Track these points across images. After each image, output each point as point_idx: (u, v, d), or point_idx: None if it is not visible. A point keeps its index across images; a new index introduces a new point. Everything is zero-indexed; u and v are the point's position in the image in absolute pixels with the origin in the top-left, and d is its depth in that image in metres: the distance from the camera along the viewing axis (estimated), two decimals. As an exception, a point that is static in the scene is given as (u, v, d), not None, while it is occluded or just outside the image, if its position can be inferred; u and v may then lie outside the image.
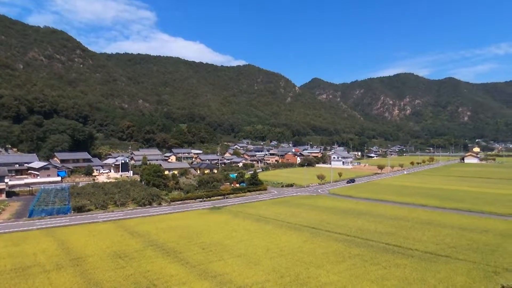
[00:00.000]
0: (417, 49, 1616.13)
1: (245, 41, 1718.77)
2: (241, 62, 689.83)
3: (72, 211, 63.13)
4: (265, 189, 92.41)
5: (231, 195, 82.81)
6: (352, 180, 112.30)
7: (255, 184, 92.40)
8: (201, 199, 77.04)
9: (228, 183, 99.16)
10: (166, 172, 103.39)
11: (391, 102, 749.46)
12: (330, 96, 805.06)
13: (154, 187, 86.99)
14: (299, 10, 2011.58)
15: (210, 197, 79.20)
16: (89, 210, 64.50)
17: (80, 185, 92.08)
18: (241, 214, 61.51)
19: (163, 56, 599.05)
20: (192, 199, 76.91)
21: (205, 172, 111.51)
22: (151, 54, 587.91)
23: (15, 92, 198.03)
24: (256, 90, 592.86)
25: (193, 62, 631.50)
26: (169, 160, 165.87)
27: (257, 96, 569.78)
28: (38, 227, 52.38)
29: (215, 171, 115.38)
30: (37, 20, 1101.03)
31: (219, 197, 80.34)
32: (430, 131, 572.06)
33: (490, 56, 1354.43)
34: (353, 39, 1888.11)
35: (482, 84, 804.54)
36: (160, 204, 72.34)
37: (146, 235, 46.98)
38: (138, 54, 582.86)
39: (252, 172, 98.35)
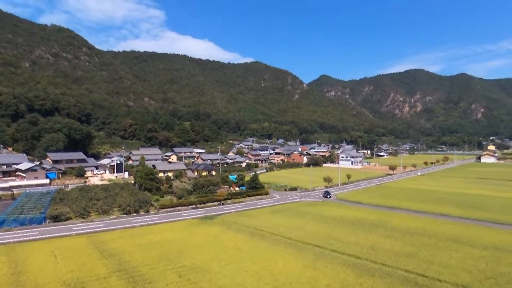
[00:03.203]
0: (427, 45, 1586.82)
1: (253, 38, 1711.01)
2: (248, 60, 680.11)
3: (48, 221, 56.54)
4: (267, 194, 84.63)
5: (228, 201, 75.32)
6: (327, 193, 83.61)
7: (255, 188, 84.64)
8: (194, 206, 69.75)
9: (227, 186, 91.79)
10: (161, 174, 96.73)
11: (401, 99, 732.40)
12: (339, 93, 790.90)
13: (146, 191, 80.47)
14: (307, 7, 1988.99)
15: (204, 203, 71.88)
16: (67, 219, 57.71)
17: (69, 188, 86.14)
18: (235, 225, 53.97)
19: (170, 53, 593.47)
20: (184, 205, 69.62)
21: (203, 174, 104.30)
22: (158, 52, 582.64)
23: (16, 90, 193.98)
24: (263, 88, 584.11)
25: (200, 59, 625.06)
26: (170, 160, 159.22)
27: (264, 93, 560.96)
28: (1, 241, 45.70)
29: (214, 172, 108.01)
30: (49, 20, 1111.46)
31: (215, 203, 72.92)
32: (442, 129, 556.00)
33: (503, 51, 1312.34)
34: (361, 35, 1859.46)
35: (496, 80, 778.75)
36: (148, 211, 65.25)
37: (119, 254, 39.81)
38: (145, 52, 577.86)
39: (253, 174, 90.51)
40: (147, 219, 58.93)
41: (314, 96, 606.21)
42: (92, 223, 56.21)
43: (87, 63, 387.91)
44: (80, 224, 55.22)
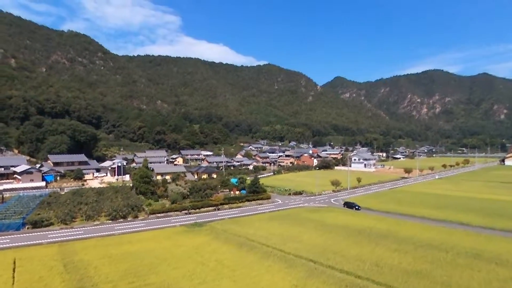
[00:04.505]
0: (444, 45, 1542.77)
1: (267, 41, 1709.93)
2: (262, 63, 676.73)
3: (27, 227, 52.75)
4: (268, 198, 78.87)
5: (225, 206, 70.06)
6: (353, 205, 69.80)
7: (256, 192, 78.97)
8: (186, 211, 64.78)
9: (227, 190, 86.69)
10: (159, 177, 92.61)
11: (418, 100, 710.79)
12: (354, 95, 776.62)
13: (141, 194, 76.34)
14: (322, 9, 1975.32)
15: (199, 208, 66.81)
16: (48, 225, 53.78)
17: (65, 191, 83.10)
18: (225, 234, 48.55)
19: (183, 57, 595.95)
20: (176, 210, 64.75)
21: (203, 177, 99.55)
22: (171, 56, 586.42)
23: (28, 94, 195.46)
24: (276, 90, 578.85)
25: (213, 62, 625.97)
26: (175, 163, 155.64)
27: (277, 95, 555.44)
28: (-33, 250, 41.91)
29: (214, 175, 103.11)
30: (70, 27, 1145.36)
31: (210, 208, 67.81)
32: (462, 130, 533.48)
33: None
34: (377, 36, 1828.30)
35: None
36: (136, 217, 60.70)
37: (83, 268, 35.07)
38: (159, 55, 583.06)
39: (254, 177, 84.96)
40: (132, 226, 54.27)
41: (329, 98, 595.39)
42: (72, 229, 52.01)
43: (102, 67, 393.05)
44: (59, 231, 51.07)
